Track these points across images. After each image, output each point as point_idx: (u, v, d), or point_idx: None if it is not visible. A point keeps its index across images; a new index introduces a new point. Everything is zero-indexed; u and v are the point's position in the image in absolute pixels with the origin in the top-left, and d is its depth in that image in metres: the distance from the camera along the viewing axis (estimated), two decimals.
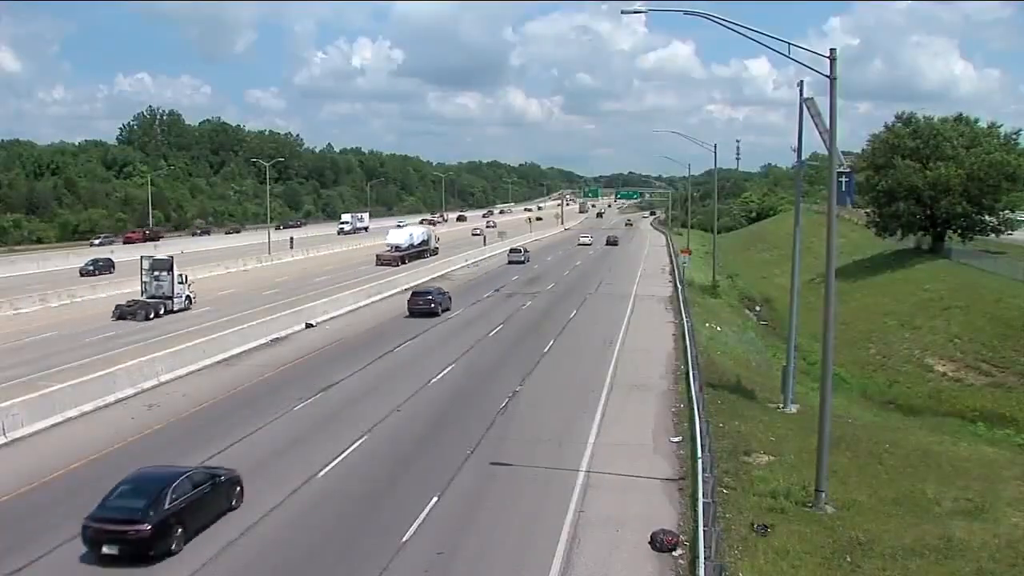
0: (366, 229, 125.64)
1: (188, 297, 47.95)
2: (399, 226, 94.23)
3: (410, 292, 48.62)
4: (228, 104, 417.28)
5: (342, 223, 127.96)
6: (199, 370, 32.32)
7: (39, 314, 46.50)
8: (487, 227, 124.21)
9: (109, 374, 28.24)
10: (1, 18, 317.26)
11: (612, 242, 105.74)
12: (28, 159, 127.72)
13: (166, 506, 15.84)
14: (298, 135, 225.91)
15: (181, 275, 47.49)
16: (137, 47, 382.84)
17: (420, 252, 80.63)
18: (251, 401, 27.95)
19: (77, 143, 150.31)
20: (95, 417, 26.01)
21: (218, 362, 33.76)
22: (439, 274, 67.89)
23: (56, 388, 26.01)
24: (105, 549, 15.48)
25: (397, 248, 78.39)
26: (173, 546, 15.87)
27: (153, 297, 46.32)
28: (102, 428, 24.76)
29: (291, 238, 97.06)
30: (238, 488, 18.39)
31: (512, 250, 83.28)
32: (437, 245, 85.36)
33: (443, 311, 45.31)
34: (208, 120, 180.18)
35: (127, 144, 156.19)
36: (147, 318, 44.03)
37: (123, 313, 44.58)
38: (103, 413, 26.45)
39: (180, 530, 16.04)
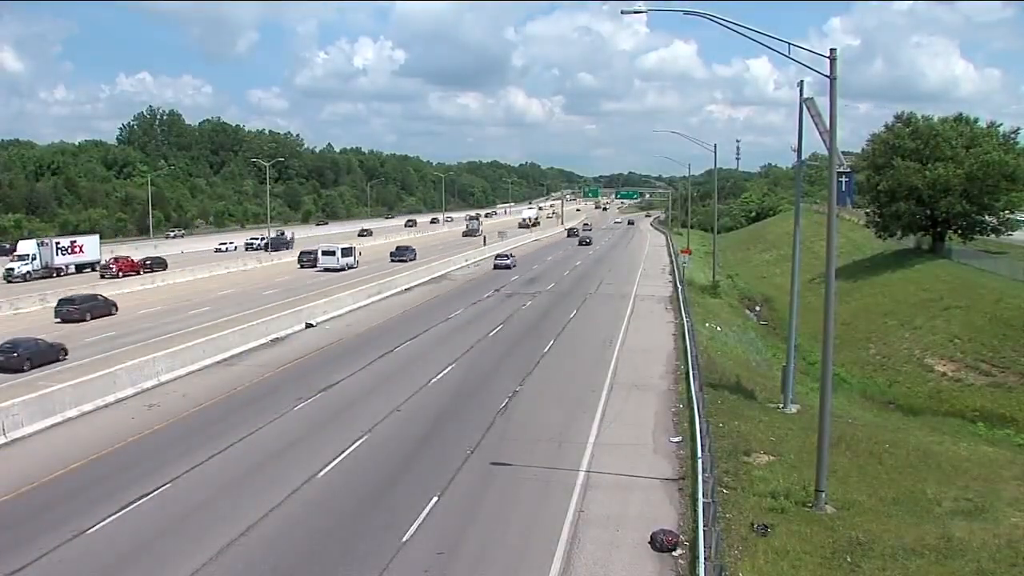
0: (108, 270, 65.70)
1: (484, 235, 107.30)
2: (530, 207, 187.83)
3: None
4: (229, 104, 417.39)
5: (16, 257, 65.72)
6: (199, 370, 32.33)
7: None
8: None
9: (109, 374, 28.26)
10: (4, 18, 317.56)
11: (631, 223, 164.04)
12: (28, 159, 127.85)
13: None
14: (298, 135, 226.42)
15: (480, 222, 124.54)
16: (139, 47, 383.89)
17: (536, 223, 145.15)
18: (251, 401, 27.95)
19: (77, 143, 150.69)
20: (95, 417, 26.03)
21: (218, 362, 33.77)
22: (439, 274, 67.89)
23: (56, 388, 26.02)
24: None
25: (527, 220, 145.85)
26: None
27: (475, 230, 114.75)
28: (102, 428, 24.78)
29: (292, 238, 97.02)
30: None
31: (580, 226, 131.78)
32: (539, 219, 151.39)
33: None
34: (208, 120, 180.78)
35: (127, 144, 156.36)
36: (476, 235, 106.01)
37: (465, 233, 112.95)
38: (103, 413, 26.47)
39: None
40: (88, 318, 43.84)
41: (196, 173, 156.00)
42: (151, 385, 29.58)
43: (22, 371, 31.56)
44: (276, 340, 38.69)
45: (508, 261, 73.33)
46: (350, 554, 16.22)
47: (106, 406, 27.01)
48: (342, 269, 69.00)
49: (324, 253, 70.94)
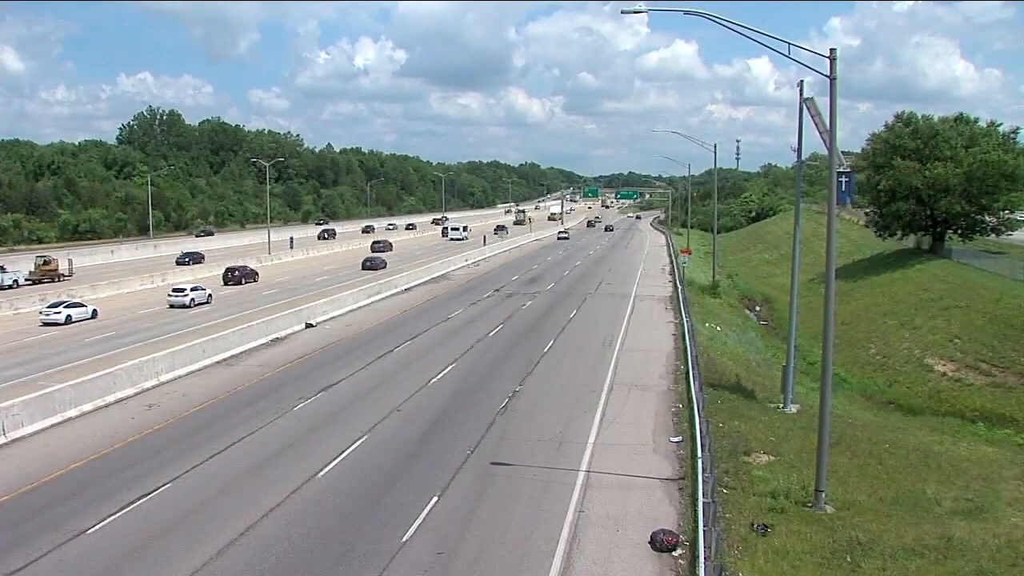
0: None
1: (484, 235, 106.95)
2: (553, 203, 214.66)
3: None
4: (230, 104, 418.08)
5: None
6: (199, 370, 32.33)
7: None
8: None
9: (109, 374, 28.25)
10: (6, 19, 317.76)
11: (638, 216, 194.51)
12: (28, 159, 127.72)
13: None
14: (298, 135, 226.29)
15: (527, 216, 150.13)
16: (140, 47, 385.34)
17: (560, 218, 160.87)
18: (251, 401, 27.94)
19: (77, 143, 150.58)
20: (95, 417, 26.02)
21: (218, 362, 33.77)
22: (439, 273, 67.89)
23: (56, 388, 26.01)
24: None
25: (554, 214, 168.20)
26: None
27: (520, 222, 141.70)
28: (102, 428, 24.77)
29: (291, 238, 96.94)
30: None
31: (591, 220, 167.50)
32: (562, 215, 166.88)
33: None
34: (208, 120, 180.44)
35: (127, 144, 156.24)
36: (524, 224, 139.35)
37: (515, 222, 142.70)
38: (103, 413, 26.47)
39: None
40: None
41: (196, 173, 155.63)
42: (151, 385, 29.58)
43: (241, 284, 57.55)
44: (276, 340, 38.69)
45: (567, 235, 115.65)
46: (350, 554, 16.21)
47: (106, 406, 27.01)
48: (462, 239, 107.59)
49: (452, 229, 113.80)
